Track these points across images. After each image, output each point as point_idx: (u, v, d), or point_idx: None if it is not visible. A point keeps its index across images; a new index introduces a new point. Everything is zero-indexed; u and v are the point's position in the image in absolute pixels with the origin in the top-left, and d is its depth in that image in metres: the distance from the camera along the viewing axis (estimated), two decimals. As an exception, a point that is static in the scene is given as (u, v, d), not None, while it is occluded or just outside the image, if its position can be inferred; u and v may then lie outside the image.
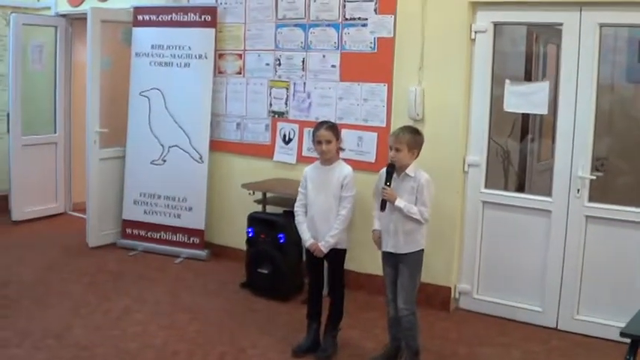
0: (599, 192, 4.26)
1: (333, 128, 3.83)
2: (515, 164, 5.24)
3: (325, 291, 4.04)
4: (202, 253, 5.69)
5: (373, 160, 4.82)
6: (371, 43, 4.85)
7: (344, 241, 3.86)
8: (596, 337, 4.15)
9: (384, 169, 3.61)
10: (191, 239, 5.74)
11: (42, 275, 5.16)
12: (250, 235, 4.95)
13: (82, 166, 6.34)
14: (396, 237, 3.60)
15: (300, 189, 3.94)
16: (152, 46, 5.80)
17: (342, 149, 3.95)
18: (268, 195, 5.18)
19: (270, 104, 5.40)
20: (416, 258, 3.61)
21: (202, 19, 5.62)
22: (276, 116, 5.38)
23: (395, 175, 3.59)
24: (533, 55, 5.09)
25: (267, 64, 5.39)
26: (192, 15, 5.66)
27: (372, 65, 4.84)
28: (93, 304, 4.59)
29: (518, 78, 4.81)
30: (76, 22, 6.84)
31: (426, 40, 4.57)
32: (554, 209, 4.30)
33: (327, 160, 3.83)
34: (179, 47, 5.70)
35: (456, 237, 4.64)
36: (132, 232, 5.94)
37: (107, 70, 5.99)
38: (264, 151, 5.43)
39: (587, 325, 4.22)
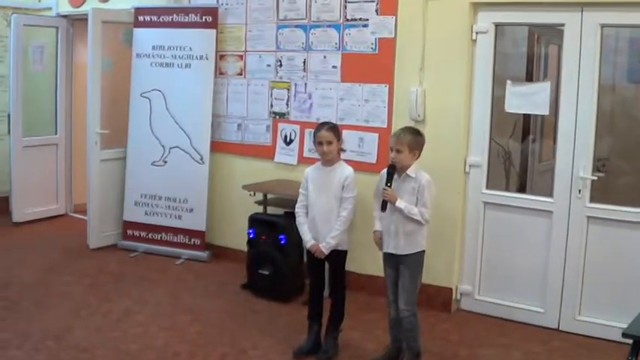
0: (600, 192, 4.25)
1: (334, 129, 3.82)
2: (516, 165, 5.24)
3: (326, 292, 4.04)
4: (203, 254, 5.69)
5: (374, 161, 4.81)
6: (372, 43, 4.84)
7: (345, 243, 3.85)
8: (598, 338, 4.14)
9: (385, 170, 3.61)
10: (192, 240, 5.73)
11: (42, 277, 5.16)
12: (251, 236, 4.94)
13: (82, 168, 6.34)
14: (396, 238, 3.59)
15: (301, 190, 3.93)
16: (153, 47, 5.80)
17: (344, 150, 3.94)
18: (269, 196, 5.18)
19: (271, 105, 5.40)
20: (417, 259, 3.61)
21: (203, 20, 5.62)
22: (277, 117, 5.38)
23: (396, 176, 3.58)
24: (534, 55, 5.08)
25: (268, 65, 5.38)
26: (193, 16, 5.66)
27: (373, 66, 4.84)
28: (93, 305, 4.59)
29: (519, 78, 4.80)
30: (77, 22, 6.84)
31: (427, 41, 4.57)
32: (555, 210, 4.29)
33: (328, 161, 3.82)
34: (180, 48, 5.70)
35: (457, 238, 4.63)
36: (133, 234, 5.94)
37: (108, 71, 5.99)
38: (265, 152, 5.42)
39: (588, 326, 4.21)
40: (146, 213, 5.88)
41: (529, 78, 5.01)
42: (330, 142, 3.75)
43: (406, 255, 3.58)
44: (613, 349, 3.92)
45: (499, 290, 4.54)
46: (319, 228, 3.80)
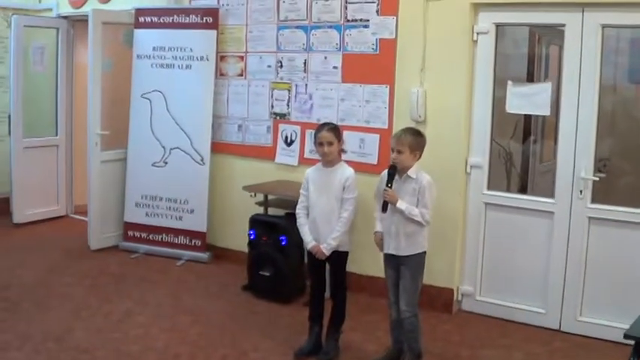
0: (601, 193, 4.24)
1: (335, 130, 3.82)
2: (517, 165, 5.23)
3: (327, 293, 4.03)
4: (204, 255, 5.68)
5: (375, 162, 4.81)
6: (373, 44, 4.84)
7: (346, 244, 3.84)
8: (599, 339, 4.13)
9: (386, 171, 3.60)
10: (193, 241, 5.73)
11: (43, 278, 5.15)
12: (252, 237, 4.94)
13: (83, 169, 6.33)
14: (397, 239, 3.59)
15: (301, 191, 3.93)
16: (153, 48, 5.80)
17: (344, 151, 3.94)
18: (270, 197, 5.17)
19: (272, 106, 5.40)
20: (418, 260, 3.60)
21: (204, 20, 5.61)
22: (278, 118, 5.37)
23: (397, 177, 3.58)
24: (535, 56, 5.08)
25: (269, 66, 5.38)
26: (193, 17, 5.66)
27: (373, 67, 4.83)
28: (94, 306, 4.58)
29: (520, 79, 4.80)
30: (77, 23, 6.85)
31: (428, 42, 4.56)
32: (556, 211, 4.29)
33: (329, 161, 3.81)
34: (180, 49, 5.70)
35: (458, 239, 4.62)
36: (133, 235, 5.94)
37: (108, 72, 5.99)
38: (266, 153, 5.42)
39: (590, 327, 4.21)
40: (147, 214, 5.88)
41: (530, 78, 5.01)
42: (330, 143, 3.75)
43: (407, 256, 3.58)
44: (614, 349, 3.91)
45: (500, 291, 4.54)
46: (320, 229, 3.80)
